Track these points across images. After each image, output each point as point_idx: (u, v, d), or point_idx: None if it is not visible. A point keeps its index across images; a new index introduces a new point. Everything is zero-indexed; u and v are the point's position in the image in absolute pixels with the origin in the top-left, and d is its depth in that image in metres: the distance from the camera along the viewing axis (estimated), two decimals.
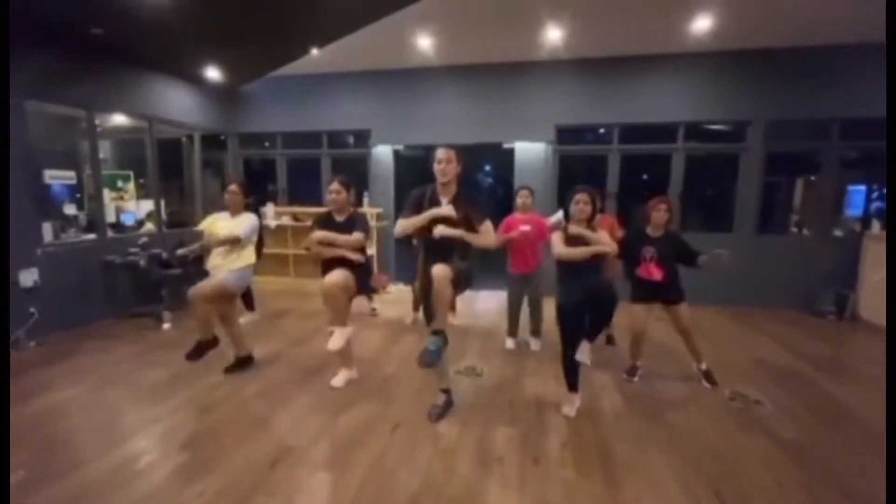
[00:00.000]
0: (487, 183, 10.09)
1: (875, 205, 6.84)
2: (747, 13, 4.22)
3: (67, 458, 2.26)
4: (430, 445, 2.38)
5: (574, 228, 2.67)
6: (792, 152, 5.87)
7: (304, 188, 6.78)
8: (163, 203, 5.65)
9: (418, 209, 2.49)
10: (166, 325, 4.41)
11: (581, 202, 2.65)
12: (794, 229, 6.32)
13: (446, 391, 2.76)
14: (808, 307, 5.15)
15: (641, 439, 2.46)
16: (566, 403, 2.75)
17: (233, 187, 3.29)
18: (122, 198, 6.11)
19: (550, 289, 2.95)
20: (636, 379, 3.21)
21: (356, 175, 6.53)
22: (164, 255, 4.71)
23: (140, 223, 5.74)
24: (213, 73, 5.59)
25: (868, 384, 3.29)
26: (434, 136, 6.13)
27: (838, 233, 5.62)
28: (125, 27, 4.12)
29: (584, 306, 2.58)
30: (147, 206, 5.81)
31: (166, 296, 4.61)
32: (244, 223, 3.22)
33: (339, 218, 3.01)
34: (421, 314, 4.30)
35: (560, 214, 4.46)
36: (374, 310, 4.96)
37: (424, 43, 4.99)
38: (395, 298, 5.66)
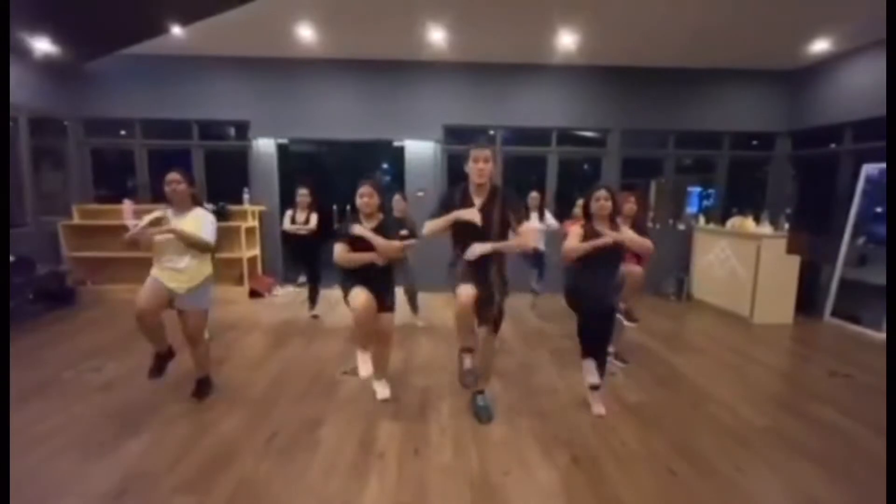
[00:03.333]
0: (385, 180, 10.04)
1: (705, 203, 8.28)
2: (603, 35, 4.79)
3: None
4: (309, 451, 2.29)
5: (612, 233, 2.58)
6: (643, 158, 6.82)
7: None
8: None
9: (449, 210, 2.37)
10: None
11: (602, 199, 2.58)
12: (651, 224, 7.37)
13: (469, 349, 2.52)
14: (656, 290, 6.04)
15: (512, 418, 2.65)
16: (594, 403, 2.71)
17: (173, 175, 2.61)
18: None
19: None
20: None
21: (234, 170, 6.04)
22: None
23: None
24: (43, 45, 4.68)
25: (696, 351, 3.97)
26: (321, 131, 5.93)
27: (681, 227, 6.69)
28: None
29: (601, 309, 2.66)
30: None
31: None
32: (205, 226, 2.64)
33: (370, 224, 2.66)
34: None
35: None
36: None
37: (306, 33, 4.77)
38: (287, 301, 5.35)
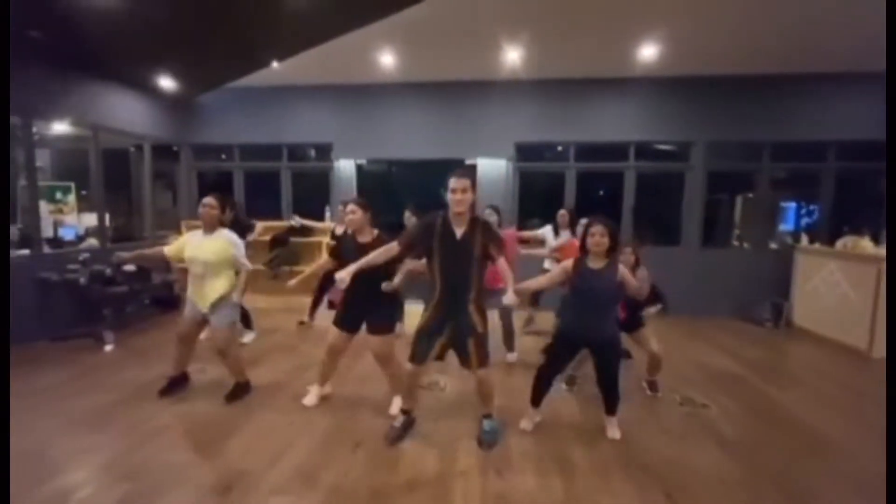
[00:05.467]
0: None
1: (804, 220, 7.47)
2: (687, 44, 4.57)
3: None
4: (392, 463, 2.35)
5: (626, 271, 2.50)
6: (731, 171, 6.33)
7: (263, 202, 6.60)
8: (108, 216, 5.34)
9: (429, 239, 2.37)
10: (108, 347, 4.12)
11: (597, 234, 2.39)
12: (736, 243, 6.78)
13: (407, 412, 2.68)
14: (747, 316, 5.51)
15: (598, 446, 2.53)
16: (526, 418, 2.76)
17: (209, 200, 2.92)
18: (61, 211, 5.73)
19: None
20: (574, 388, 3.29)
21: (318, 189, 6.48)
22: (109, 271, 4.44)
23: (81, 238, 5.40)
24: (166, 83, 5.39)
25: (802, 386, 3.54)
26: (397, 151, 6.20)
27: (774, 246, 6.09)
28: (67, 31, 3.91)
29: (581, 345, 2.59)
30: (90, 219, 5.47)
31: (109, 315, 4.32)
32: (229, 247, 2.93)
33: (363, 239, 2.75)
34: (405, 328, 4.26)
35: (548, 228, 4.57)
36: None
37: (387, 60, 5.05)
38: None
